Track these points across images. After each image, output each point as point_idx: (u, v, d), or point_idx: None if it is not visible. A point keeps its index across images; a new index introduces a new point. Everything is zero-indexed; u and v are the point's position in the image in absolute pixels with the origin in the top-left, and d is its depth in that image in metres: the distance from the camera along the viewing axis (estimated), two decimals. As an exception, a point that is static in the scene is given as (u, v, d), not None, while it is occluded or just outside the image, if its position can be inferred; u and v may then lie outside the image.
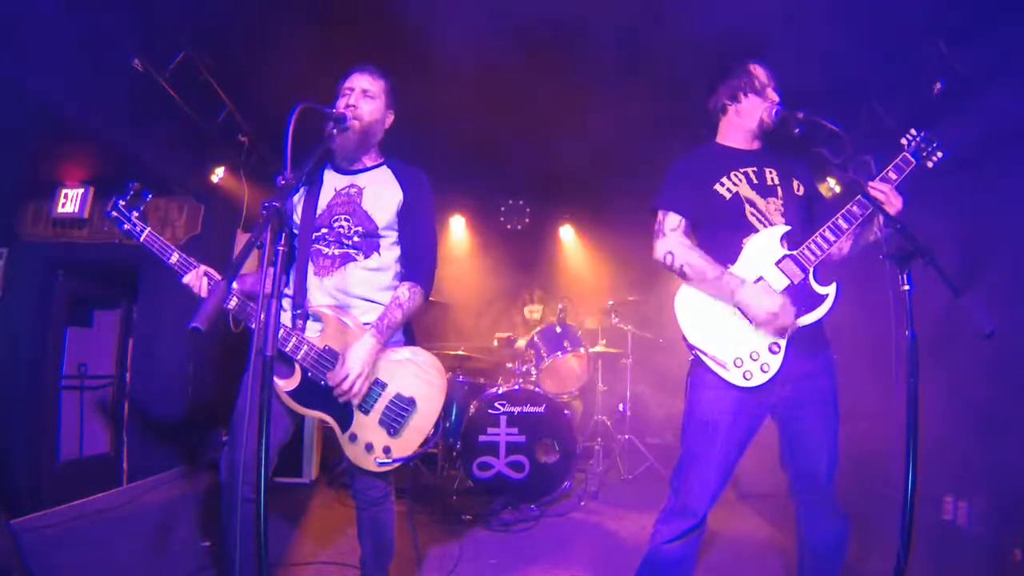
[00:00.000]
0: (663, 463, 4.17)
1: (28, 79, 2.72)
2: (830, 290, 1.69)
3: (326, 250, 1.83)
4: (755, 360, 1.66)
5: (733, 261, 1.73)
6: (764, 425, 1.77)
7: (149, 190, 1.85)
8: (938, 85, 2.84)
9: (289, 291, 1.83)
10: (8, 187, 3.88)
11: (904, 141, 1.74)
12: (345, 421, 1.76)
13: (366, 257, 1.84)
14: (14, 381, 3.73)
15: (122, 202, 1.80)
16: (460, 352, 4.27)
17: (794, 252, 1.71)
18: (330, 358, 1.74)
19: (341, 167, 1.93)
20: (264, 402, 1.23)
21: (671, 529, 1.70)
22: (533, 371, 3.93)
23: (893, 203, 1.65)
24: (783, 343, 1.66)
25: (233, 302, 1.69)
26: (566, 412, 3.66)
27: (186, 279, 1.76)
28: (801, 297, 1.67)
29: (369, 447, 1.76)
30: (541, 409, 3.57)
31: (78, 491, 3.16)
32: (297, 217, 1.86)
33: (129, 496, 3.35)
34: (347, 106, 1.80)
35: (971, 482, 2.61)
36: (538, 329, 4.14)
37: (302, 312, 1.79)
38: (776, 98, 1.83)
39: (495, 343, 4.63)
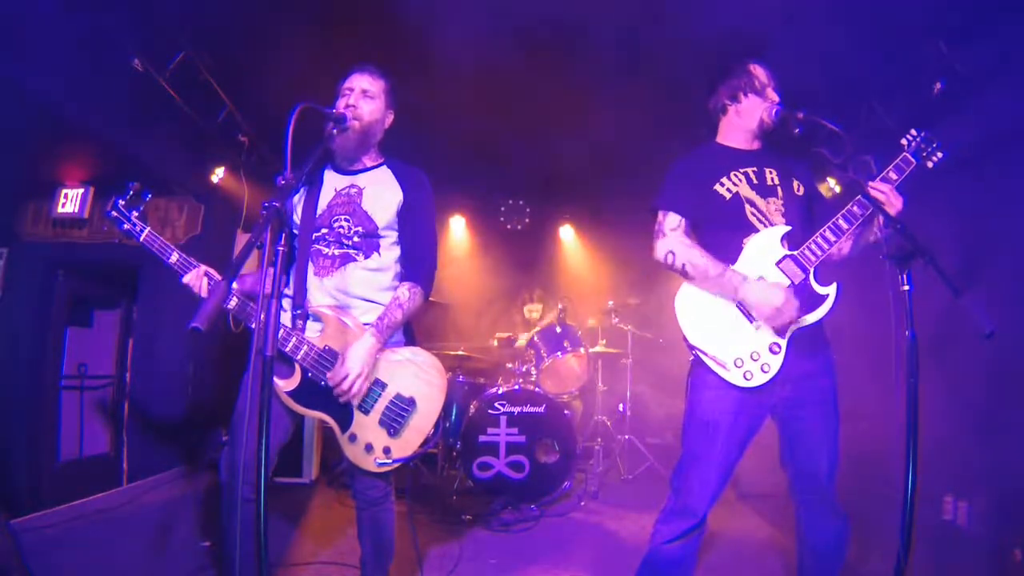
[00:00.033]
0: (663, 463, 4.17)
1: (28, 79, 2.72)
2: (830, 290, 1.69)
3: (326, 250, 1.83)
4: (756, 360, 1.66)
5: (734, 261, 1.73)
6: (764, 425, 1.77)
7: (149, 190, 1.85)
8: (938, 85, 2.84)
9: (289, 291, 1.83)
10: (8, 187, 3.89)
11: (904, 141, 1.74)
12: (345, 421, 1.76)
13: (366, 257, 1.84)
14: (14, 381, 3.73)
15: (122, 202, 1.80)
16: (460, 352, 4.27)
17: (794, 252, 1.71)
18: (330, 358, 1.74)
19: (341, 167, 1.93)
20: (264, 402, 1.23)
21: (671, 529, 1.70)
22: (533, 371, 3.93)
23: (893, 203, 1.65)
24: (783, 343, 1.66)
25: (233, 302, 1.69)
26: (566, 412, 3.66)
27: (186, 279, 1.76)
28: (801, 297, 1.67)
29: (369, 447, 1.76)
30: (541, 409, 3.57)
31: (78, 491, 3.16)
32: (297, 217, 1.86)
33: (129, 496, 3.35)
34: (347, 106, 1.80)
35: (971, 482, 2.61)
36: (538, 329, 4.14)
37: (302, 312, 1.79)
38: (776, 98, 1.83)
39: (495, 343, 4.62)
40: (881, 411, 2.83)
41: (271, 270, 1.27)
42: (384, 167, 1.95)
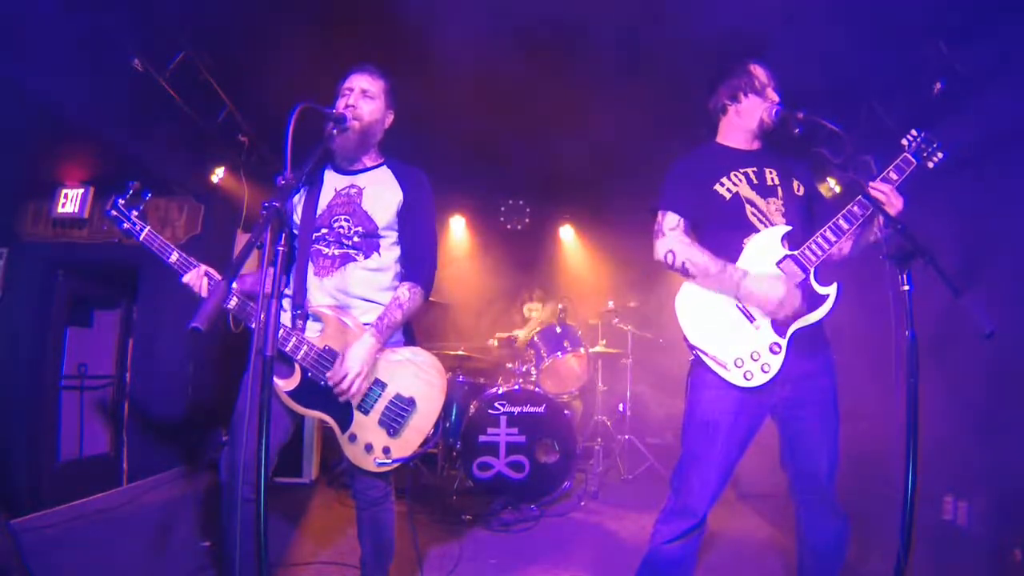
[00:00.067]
0: (663, 463, 4.17)
1: (28, 79, 2.72)
2: (831, 290, 1.69)
3: (326, 250, 1.83)
4: (756, 360, 1.66)
5: (734, 261, 1.73)
6: (764, 425, 1.77)
7: (148, 189, 1.85)
8: (938, 85, 2.84)
9: (289, 291, 1.83)
10: (8, 187, 3.89)
11: (905, 141, 1.74)
12: (345, 421, 1.76)
13: (366, 257, 1.84)
14: (14, 381, 3.73)
15: (122, 201, 1.80)
16: (460, 352, 4.27)
17: (795, 252, 1.71)
18: (330, 358, 1.74)
19: (341, 167, 1.93)
20: (264, 402, 1.23)
21: (671, 529, 1.70)
22: (533, 371, 3.93)
23: (894, 203, 1.65)
24: (784, 343, 1.66)
25: (233, 302, 1.69)
26: (566, 412, 3.66)
27: (186, 278, 1.76)
28: (802, 297, 1.67)
29: (369, 447, 1.76)
30: (541, 409, 3.57)
31: (78, 491, 3.16)
32: (297, 217, 1.86)
33: (129, 496, 3.35)
34: (347, 106, 1.80)
35: (971, 482, 2.61)
36: (538, 329, 4.14)
37: (302, 312, 1.79)
38: (776, 98, 1.83)
39: (495, 343, 4.62)
40: (881, 411, 2.83)
41: (271, 270, 1.27)
42: (384, 167, 1.95)
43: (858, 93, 3.27)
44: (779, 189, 1.80)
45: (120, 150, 3.46)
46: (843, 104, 3.31)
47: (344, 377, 1.69)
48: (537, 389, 3.71)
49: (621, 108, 3.58)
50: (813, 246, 1.69)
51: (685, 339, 1.74)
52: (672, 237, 1.77)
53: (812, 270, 1.70)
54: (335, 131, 1.71)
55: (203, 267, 1.78)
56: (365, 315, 1.82)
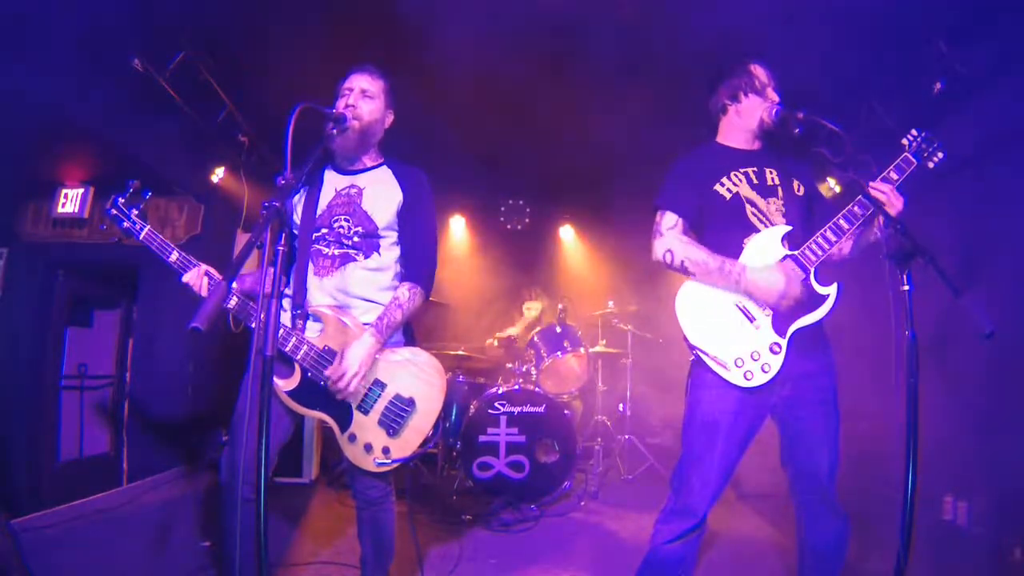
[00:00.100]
0: (663, 463, 4.17)
1: (28, 79, 2.72)
2: (831, 290, 1.69)
3: (326, 250, 1.83)
4: (756, 360, 1.66)
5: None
6: (764, 425, 1.77)
7: (148, 188, 1.85)
8: (938, 85, 2.84)
9: (289, 291, 1.83)
10: (8, 187, 3.88)
11: (905, 141, 1.74)
12: (344, 421, 1.76)
13: (366, 257, 1.84)
14: (14, 381, 3.73)
15: (121, 200, 1.80)
16: (460, 352, 4.27)
17: (795, 252, 1.71)
18: (330, 358, 1.73)
19: (341, 167, 1.93)
20: (264, 402, 1.23)
21: (671, 529, 1.70)
22: (533, 371, 3.92)
23: (894, 203, 1.65)
24: (784, 343, 1.66)
25: (233, 302, 1.69)
26: (566, 412, 3.66)
27: (186, 278, 1.76)
28: (801, 300, 1.67)
29: (368, 447, 1.76)
30: (541, 409, 3.57)
31: (78, 491, 3.17)
32: (297, 217, 1.86)
33: (129, 496, 3.36)
34: (346, 106, 1.80)
35: (971, 482, 2.61)
36: (538, 329, 4.14)
37: (302, 312, 1.79)
38: (776, 98, 1.83)
39: (495, 343, 4.62)
40: (881, 411, 2.83)
41: (271, 270, 1.27)
42: (384, 167, 1.95)
43: (858, 93, 3.28)
44: (779, 189, 1.80)
45: (120, 150, 3.46)
46: (843, 104, 3.31)
47: (342, 376, 1.69)
48: (537, 389, 3.70)
49: (621, 108, 3.59)
50: (813, 246, 1.69)
51: (685, 339, 1.74)
52: (670, 236, 1.77)
53: (812, 270, 1.70)
54: (335, 131, 1.71)
55: (203, 266, 1.78)
56: (365, 315, 1.82)
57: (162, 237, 1.78)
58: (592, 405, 4.49)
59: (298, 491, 3.75)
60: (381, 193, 1.88)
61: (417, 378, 1.83)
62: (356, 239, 1.83)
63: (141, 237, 1.78)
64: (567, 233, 6.12)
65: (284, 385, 1.73)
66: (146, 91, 3.11)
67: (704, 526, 1.71)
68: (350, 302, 1.82)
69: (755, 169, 1.81)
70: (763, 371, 1.65)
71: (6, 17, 2.42)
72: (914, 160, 1.71)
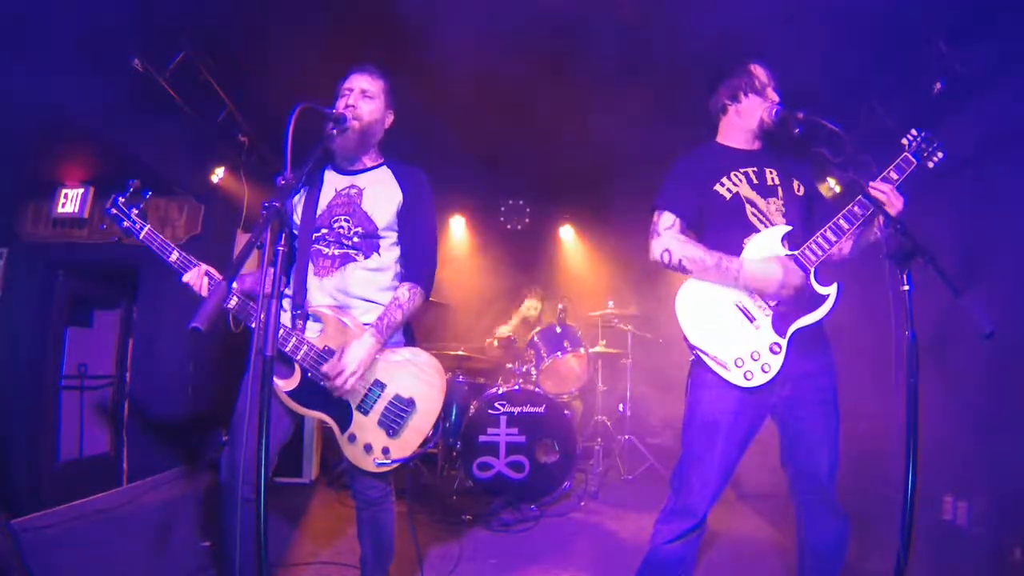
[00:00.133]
0: (663, 463, 4.17)
1: (28, 79, 2.72)
2: (831, 290, 1.69)
3: (326, 250, 1.83)
4: (756, 360, 1.66)
5: (733, 260, 1.73)
6: (764, 425, 1.77)
7: (148, 188, 1.85)
8: (938, 85, 2.84)
9: (289, 291, 1.83)
10: (8, 187, 3.88)
11: (905, 141, 1.74)
12: (344, 421, 1.76)
13: (366, 257, 1.84)
14: (14, 381, 3.73)
15: (122, 199, 1.80)
16: (460, 352, 4.27)
17: (795, 252, 1.71)
18: (329, 359, 1.73)
19: (341, 167, 1.93)
20: (264, 402, 1.23)
21: (671, 529, 1.70)
22: (533, 371, 3.92)
23: (894, 203, 1.65)
24: (784, 343, 1.66)
25: (233, 302, 1.69)
26: (566, 412, 3.66)
27: (186, 277, 1.76)
28: (802, 298, 1.67)
29: (368, 448, 1.76)
30: (541, 409, 3.57)
31: (78, 491, 3.16)
32: (297, 217, 1.86)
33: (129, 496, 3.35)
34: (346, 106, 1.80)
35: (971, 482, 2.61)
36: (538, 329, 4.14)
37: (302, 312, 1.79)
38: (776, 98, 1.83)
39: (494, 343, 4.62)
40: (881, 411, 2.83)
41: (271, 270, 1.27)
42: (384, 167, 1.95)
43: (858, 93, 3.28)
44: (779, 189, 1.80)
45: (120, 150, 3.46)
46: (843, 104, 3.31)
47: (340, 373, 1.69)
48: (537, 389, 3.70)
49: (621, 108, 3.59)
50: (813, 246, 1.69)
51: (685, 339, 1.74)
52: (667, 236, 1.77)
53: (812, 270, 1.70)
54: (335, 131, 1.71)
55: (203, 266, 1.78)
56: (365, 315, 1.82)
57: (162, 237, 1.78)
58: (592, 405, 4.49)
59: (298, 491, 3.75)
60: (381, 193, 1.87)
61: (417, 378, 1.83)
62: (356, 239, 1.83)
63: (141, 237, 1.78)
64: (567, 233, 6.12)
65: (284, 385, 1.73)
66: (146, 91, 3.11)
67: (704, 526, 1.71)
68: (350, 302, 1.82)
69: (755, 169, 1.81)
70: (763, 371, 1.65)
71: (6, 17, 2.42)
72: (914, 160, 1.71)
